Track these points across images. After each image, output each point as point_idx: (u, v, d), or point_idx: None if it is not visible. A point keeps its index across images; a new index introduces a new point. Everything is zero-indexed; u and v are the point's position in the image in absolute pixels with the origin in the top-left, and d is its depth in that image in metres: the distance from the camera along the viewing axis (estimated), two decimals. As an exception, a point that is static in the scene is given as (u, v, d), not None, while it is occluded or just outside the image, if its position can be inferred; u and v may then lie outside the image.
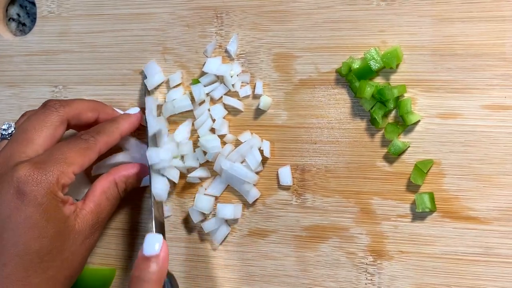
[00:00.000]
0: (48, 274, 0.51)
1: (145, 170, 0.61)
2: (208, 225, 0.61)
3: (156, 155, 0.60)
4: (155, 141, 0.62)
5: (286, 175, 0.60)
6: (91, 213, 0.55)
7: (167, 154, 0.61)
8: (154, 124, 0.61)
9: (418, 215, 0.56)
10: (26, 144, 0.54)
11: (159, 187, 0.60)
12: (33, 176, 0.50)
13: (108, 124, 0.59)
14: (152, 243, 0.54)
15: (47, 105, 0.57)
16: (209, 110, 0.62)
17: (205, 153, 0.61)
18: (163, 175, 0.61)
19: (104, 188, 0.58)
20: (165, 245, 0.54)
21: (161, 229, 0.59)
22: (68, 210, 0.53)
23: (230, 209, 0.61)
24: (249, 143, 0.60)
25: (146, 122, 0.62)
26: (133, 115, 0.61)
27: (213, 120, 0.61)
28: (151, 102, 0.62)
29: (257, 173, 0.61)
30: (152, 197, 0.59)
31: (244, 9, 0.61)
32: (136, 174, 0.61)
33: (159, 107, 0.63)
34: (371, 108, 0.57)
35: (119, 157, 0.63)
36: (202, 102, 0.62)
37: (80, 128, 0.60)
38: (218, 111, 0.61)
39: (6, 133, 0.60)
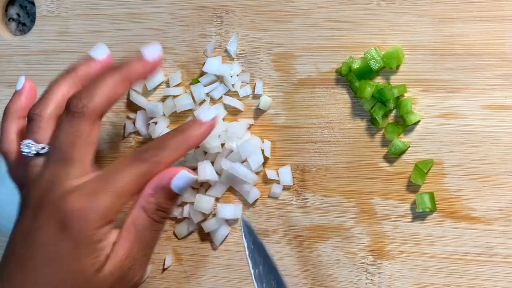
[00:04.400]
0: None
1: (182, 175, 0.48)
2: (208, 225, 0.61)
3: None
4: None
5: (286, 175, 0.60)
6: (118, 251, 0.47)
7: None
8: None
9: (418, 215, 0.56)
10: (67, 164, 0.47)
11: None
12: (80, 210, 0.45)
13: (174, 136, 0.49)
14: None
15: (70, 110, 0.48)
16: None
17: (205, 153, 0.61)
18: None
19: (132, 218, 0.48)
20: None
21: None
22: (103, 251, 0.46)
23: (230, 209, 0.60)
24: (249, 143, 0.60)
25: None
26: (205, 124, 0.50)
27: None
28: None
29: (257, 173, 0.61)
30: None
31: (243, 9, 0.61)
32: (165, 187, 0.48)
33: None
34: (371, 108, 0.56)
35: None
36: (202, 102, 0.62)
37: None
38: (218, 111, 0.61)
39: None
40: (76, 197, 0.45)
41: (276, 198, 0.60)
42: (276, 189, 0.60)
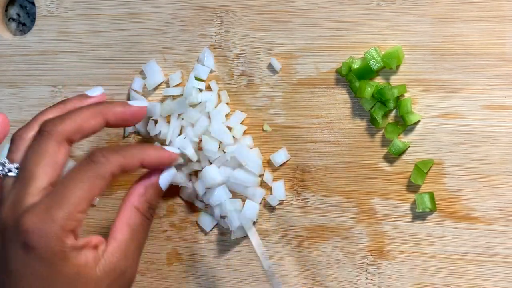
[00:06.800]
0: None
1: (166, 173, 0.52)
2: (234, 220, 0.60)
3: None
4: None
5: (279, 190, 0.60)
6: (114, 253, 0.48)
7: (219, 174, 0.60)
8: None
9: (418, 215, 0.56)
10: (29, 183, 0.47)
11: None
12: (38, 227, 0.44)
13: (130, 146, 0.55)
14: None
15: (40, 130, 0.49)
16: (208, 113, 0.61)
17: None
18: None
19: (125, 218, 0.49)
20: None
21: None
22: (85, 257, 0.46)
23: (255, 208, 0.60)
24: (240, 148, 0.59)
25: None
26: (164, 151, 0.52)
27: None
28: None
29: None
30: None
31: (243, 9, 0.61)
32: (155, 185, 0.51)
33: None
34: (371, 108, 0.56)
35: None
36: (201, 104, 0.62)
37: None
38: (218, 114, 0.61)
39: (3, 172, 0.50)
40: (31, 216, 0.45)
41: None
42: (272, 200, 0.60)
